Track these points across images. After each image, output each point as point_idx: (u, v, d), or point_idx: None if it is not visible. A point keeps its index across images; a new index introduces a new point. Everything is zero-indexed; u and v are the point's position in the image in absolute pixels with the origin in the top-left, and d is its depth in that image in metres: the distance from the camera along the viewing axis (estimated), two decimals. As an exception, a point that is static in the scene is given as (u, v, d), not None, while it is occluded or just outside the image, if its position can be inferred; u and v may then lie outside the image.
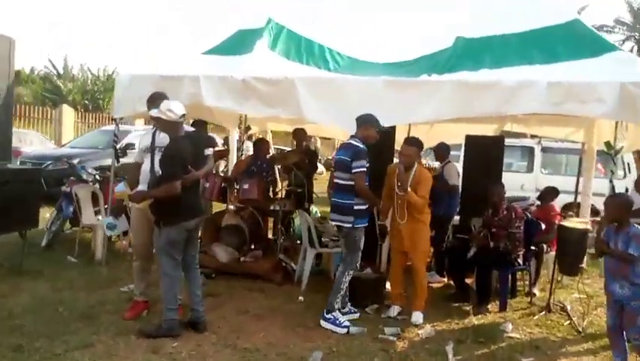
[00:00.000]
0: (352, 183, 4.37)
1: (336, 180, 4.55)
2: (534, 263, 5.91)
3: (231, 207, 6.27)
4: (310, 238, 5.50)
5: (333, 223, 4.66)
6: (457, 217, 7.28)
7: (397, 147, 6.07)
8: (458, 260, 5.64)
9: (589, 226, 4.95)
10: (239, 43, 5.96)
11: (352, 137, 4.57)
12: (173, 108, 3.69)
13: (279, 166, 6.97)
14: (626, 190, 8.81)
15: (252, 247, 6.02)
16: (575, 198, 8.40)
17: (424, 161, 8.36)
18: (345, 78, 5.12)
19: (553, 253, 6.14)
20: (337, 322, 4.36)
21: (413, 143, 4.88)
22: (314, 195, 7.36)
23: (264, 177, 6.37)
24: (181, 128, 3.86)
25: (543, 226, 5.67)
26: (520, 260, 5.38)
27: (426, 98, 4.78)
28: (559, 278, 5.09)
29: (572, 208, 9.50)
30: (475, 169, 6.88)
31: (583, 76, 4.46)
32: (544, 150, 10.99)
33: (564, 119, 7.22)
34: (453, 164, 6.54)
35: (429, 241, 4.90)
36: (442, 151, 6.60)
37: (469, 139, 7.10)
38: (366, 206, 4.50)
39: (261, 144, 6.79)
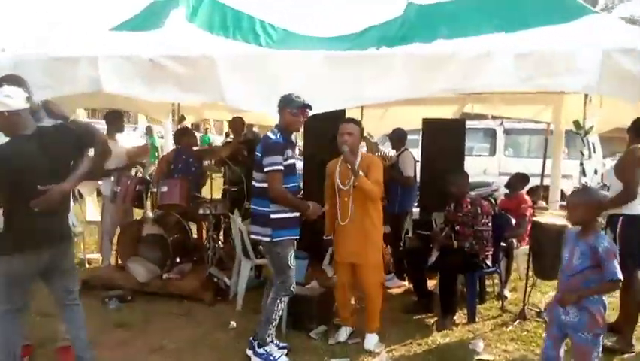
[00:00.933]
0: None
1: (252, 183, 3.67)
2: (504, 262, 5.22)
3: (149, 214, 5.28)
4: (244, 247, 4.62)
5: (252, 237, 3.80)
6: (416, 210, 6.54)
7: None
8: (419, 262, 4.87)
9: (566, 222, 4.23)
10: (152, 15, 4.95)
11: (276, 126, 3.70)
12: (11, 94, 2.68)
13: (210, 161, 6.01)
14: (595, 172, 8.31)
15: (178, 260, 5.08)
16: (541, 182, 7.80)
17: (381, 148, 7.56)
18: (276, 54, 4.22)
19: (524, 247, 5.48)
20: (271, 358, 3.51)
21: (355, 122, 4.04)
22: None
23: (189, 176, 5.41)
24: (23, 123, 2.76)
25: (513, 221, 4.94)
26: (489, 261, 4.65)
27: (373, 75, 3.93)
28: (530, 275, 4.44)
29: (537, 192, 9.01)
30: (435, 156, 6.14)
31: (557, 44, 3.71)
32: (506, 131, 10.42)
33: (530, 97, 6.56)
34: (409, 152, 5.75)
35: (380, 250, 4.06)
36: (397, 138, 5.80)
37: (427, 123, 6.33)
38: (292, 214, 3.61)
39: (181, 136, 5.80)
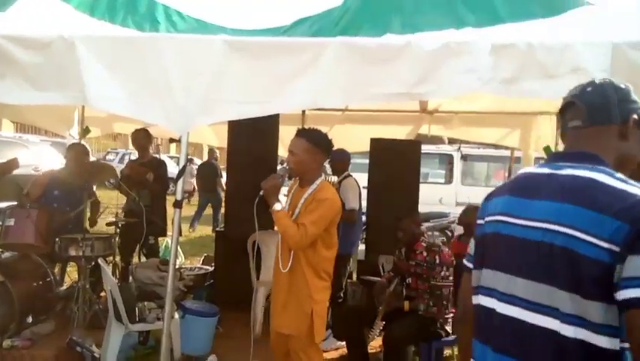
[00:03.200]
0: None
1: None
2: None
3: None
4: (115, 306, 3.31)
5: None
6: (362, 247, 5.42)
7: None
8: (360, 323, 3.70)
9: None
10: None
11: None
12: None
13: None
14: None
15: (30, 320, 3.68)
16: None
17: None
18: (163, 38, 3.01)
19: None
20: None
21: (305, 135, 2.84)
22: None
23: (68, 205, 4.07)
24: None
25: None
26: (449, 327, 3.52)
27: (298, 70, 2.80)
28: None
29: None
30: (384, 184, 5.06)
31: (551, 37, 2.69)
32: (464, 157, 9.54)
33: (496, 118, 5.64)
34: (352, 179, 4.63)
35: (324, 319, 2.83)
36: (338, 161, 4.65)
37: (376, 144, 5.24)
38: None
39: (73, 152, 4.48)
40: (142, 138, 5.09)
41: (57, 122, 6.49)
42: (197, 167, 11.38)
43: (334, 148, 4.53)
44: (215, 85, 2.83)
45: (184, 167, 2.93)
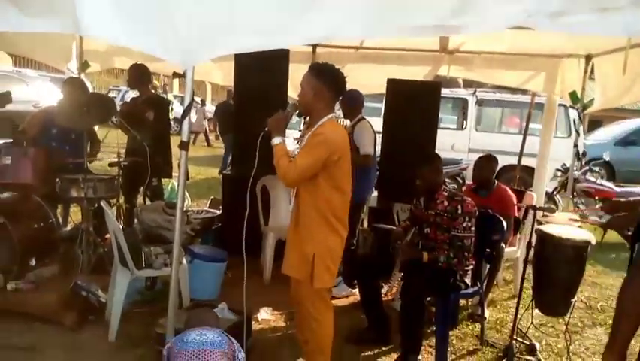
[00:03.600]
0: None
1: None
2: (485, 267, 3.96)
3: None
4: (120, 251, 3.16)
5: None
6: (375, 194, 5.23)
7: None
8: (373, 273, 3.57)
9: (589, 235, 2.97)
10: None
11: None
12: None
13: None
14: (582, 155, 7.17)
15: (33, 262, 3.55)
16: (519, 162, 6.69)
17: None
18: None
19: (510, 249, 4.27)
20: None
21: (314, 69, 2.66)
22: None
23: (67, 144, 3.85)
24: None
25: (504, 224, 3.63)
26: (468, 279, 3.37)
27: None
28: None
29: (510, 172, 7.90)
30: (401, 127, 4.79)
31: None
32: (479, 102, 9.15)
33: (520, 60, 5.29)
34: (366, 122, 4.34)
35: (327, 265, 2.64)
36: (350, 102, 4.34)
37: (393, 85, 4.92)
38: None
39: (67, 88, 4.20)
40: (138, 73, 4.75)
41: (55, 55, 6.19)
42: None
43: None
44: (220, 13, 2.52)
45: (189, 105, 2.67)
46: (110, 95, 16.67)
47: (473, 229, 3.23)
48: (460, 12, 2.35)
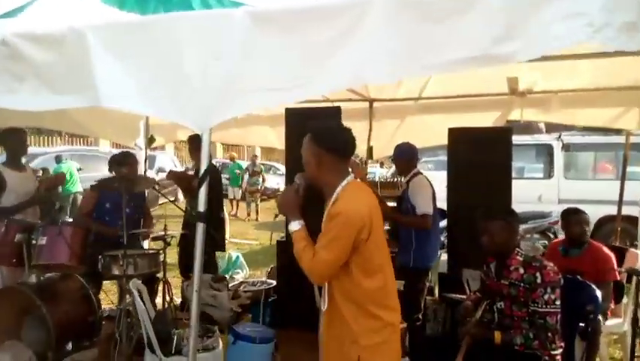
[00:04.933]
0: None
1: None
2: (580, 346, 3.20)
3: (33, 278, 3.58)
4: (147, 335, 2.87)
5: None
6: (444, 257, 4.65)
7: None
8: (438, 356, 2.98)
9: None
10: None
11: None
12: None
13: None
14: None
15: (70, 347, 3.36)
16: (619, 213, 5.75)
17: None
18: (175, 18, 2.50)
19: (612, 322, 3.49)
20: None
21: (309, 130, 2.26)
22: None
23: (119, 220, 3.75)
24: None
25: (598, 292, 2.93)
26: (557, 364, 2.69)
27: (336, 39, 2.14)
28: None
29: (609, 224, 6.89)
30: (468, 181, 4.26)
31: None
32: (565, 147, 8.28)
33: (606, 95, 4.60)
34: (422, 177, 3.84)
35: None
36: (403, 156, 3.89)
37: (456, 134, 4.44)
38: None
39: (117, 163, 4.18)
40: (193, 142, 4.77)
41: (125, 133, 6.38)
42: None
43: (400, 142, 3.85)
44: (237, 68, 2.29)
45: (205, 172, 2.43)
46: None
47: (558, 302, 2.59)
48: (504, 39, 1.92)
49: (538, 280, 2.60)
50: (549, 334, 2.56)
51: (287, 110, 4.54)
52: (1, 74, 2.71)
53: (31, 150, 5.16)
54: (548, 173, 8.43)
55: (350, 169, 2.82)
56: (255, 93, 2.32)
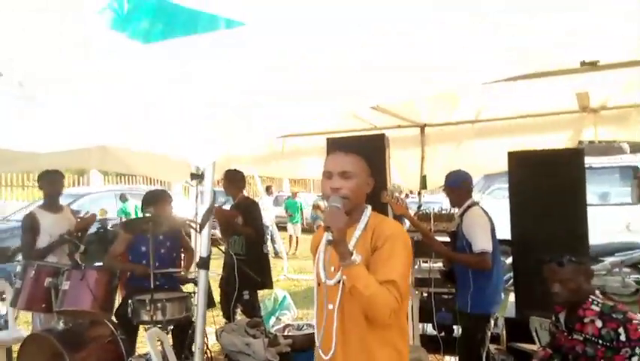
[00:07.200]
0: None
1: None
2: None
3: (61, 323, 3.43)
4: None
5: None
6: (512, 298, 4.05)
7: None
8: None
9: None
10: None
11: None
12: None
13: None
14: None
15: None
16: None
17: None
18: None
19: None
20: None
21: (354, 150, 1.93)
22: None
23: (157, 261, 3.58)
24: None
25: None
26: None
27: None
28: None
29: None
30: (534, 212, 3.70)
31: None
32: (655, 168, 7.34)
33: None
34: (478, 209, 3.33)
35: None
36: (455, 186, 3.43)
37: (516, 158, 3.91)
38: None
39: (150, 200, 4.05)
40: (229, 178, 4.57)
41: (175, 172, 6.37)
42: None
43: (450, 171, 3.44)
44: (240, 117, 2.05)
45: (209, 210, 2.16)
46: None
47: (649, 364, 2.04)
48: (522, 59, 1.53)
49: (622, 338, 2.06)
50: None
51: (328, 139, 4.24)
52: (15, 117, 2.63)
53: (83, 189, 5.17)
54: (638, 198, 7.48)
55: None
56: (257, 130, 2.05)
